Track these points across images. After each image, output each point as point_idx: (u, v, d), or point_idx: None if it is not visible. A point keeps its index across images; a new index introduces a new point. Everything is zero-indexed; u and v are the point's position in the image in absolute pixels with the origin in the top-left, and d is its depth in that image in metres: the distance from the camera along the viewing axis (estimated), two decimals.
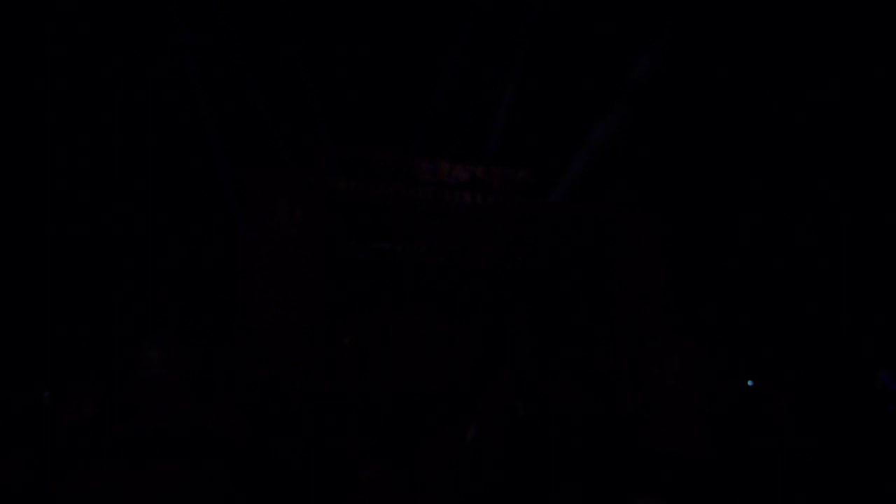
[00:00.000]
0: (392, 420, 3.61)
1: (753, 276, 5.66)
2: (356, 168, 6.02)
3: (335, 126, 6.04)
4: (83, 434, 2.56)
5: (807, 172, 5.57)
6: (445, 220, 6.88)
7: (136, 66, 4.18)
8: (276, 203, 5.03)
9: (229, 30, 4.80)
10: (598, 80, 6.52)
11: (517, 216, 7.09)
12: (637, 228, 7.20)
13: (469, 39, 6.23)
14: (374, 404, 4.43)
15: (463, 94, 7.08)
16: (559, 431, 3.61)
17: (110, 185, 4.06)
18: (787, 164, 5.78)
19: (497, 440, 3.37)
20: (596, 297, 7.53)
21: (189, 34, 4.40)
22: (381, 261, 7.58)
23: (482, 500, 3.03)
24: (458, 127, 7.54)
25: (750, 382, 4.44)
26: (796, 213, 5.58)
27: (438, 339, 8.74)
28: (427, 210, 6.63)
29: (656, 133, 6.83)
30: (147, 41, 4.24)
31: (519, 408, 3.92)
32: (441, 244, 7.34)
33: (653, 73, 6.37)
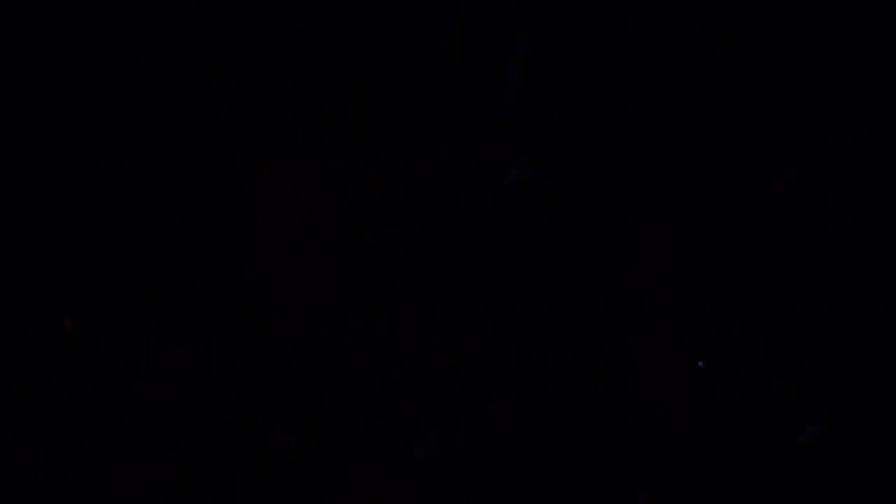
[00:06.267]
0: (396, 404, 3.60)
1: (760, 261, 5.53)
2: (363, 152, 5.99)
3: (340, 112, 5.98)
4: (91, 420, 2.58)
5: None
6: (452, 204, 6.85)
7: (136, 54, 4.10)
8: (283, 187, 5.01)
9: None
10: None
11: (525, 198, 7.03)
12: (645, 210, 7.15)
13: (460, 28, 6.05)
14: (380, 387, 4.43)
15: (467, 78, 7.00)
16: (567, 415, 3.60)
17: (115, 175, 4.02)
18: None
19: (507, 422, 3.35)
20: (604, 278, 7.49)
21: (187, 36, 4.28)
22: (390, 244, 7.56)
23: (484, 487, 3.01)
24: (463, 113, 7.47)
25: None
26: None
27: (446, 322, 8.73)
28: (434, 194, 6.60)
29: (664, 114, 6.71)
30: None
31: (527, 391, 3.91)
32: (448, 228, 7.32)
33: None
